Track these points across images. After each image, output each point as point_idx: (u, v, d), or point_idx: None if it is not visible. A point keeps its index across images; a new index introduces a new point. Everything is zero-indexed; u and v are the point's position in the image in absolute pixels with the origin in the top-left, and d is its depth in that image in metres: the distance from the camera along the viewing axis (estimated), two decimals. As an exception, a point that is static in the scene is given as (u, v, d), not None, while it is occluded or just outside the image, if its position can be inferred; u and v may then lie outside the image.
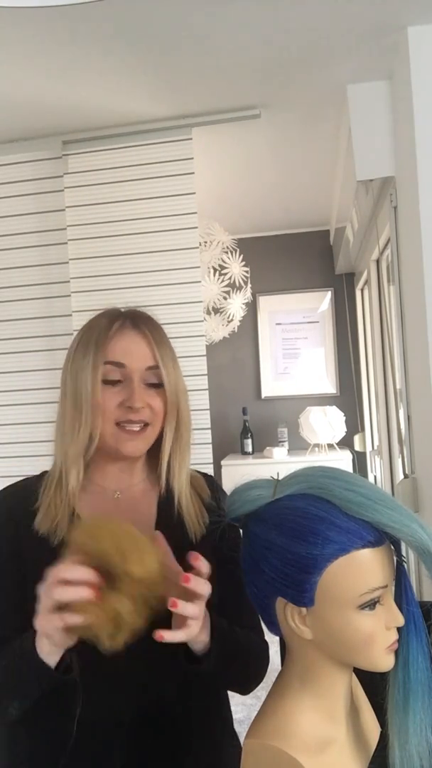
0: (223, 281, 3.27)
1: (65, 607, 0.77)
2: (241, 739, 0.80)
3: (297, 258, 4.17)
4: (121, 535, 0.79)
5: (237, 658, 0.95)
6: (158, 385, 1.00)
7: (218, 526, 0.86)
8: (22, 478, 1.08)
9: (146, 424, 1.00)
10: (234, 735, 1.08)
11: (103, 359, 0.97)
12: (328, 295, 4.17)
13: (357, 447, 3.97)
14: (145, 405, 0.98)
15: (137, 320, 1.02)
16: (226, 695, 1.09)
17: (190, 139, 2.28)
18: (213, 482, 1.13)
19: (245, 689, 1.04)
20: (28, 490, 1.02)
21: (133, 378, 0.98)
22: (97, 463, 1.03)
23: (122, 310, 1.06)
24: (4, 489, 1.05)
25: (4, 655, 0.88)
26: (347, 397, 4.09)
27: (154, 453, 1.05)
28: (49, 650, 0.83)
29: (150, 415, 0.99)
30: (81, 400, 0.97)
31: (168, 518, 1.03)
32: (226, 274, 3.32)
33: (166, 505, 1.04)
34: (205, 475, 1.13)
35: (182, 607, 0.81)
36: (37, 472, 1.08)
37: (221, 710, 1.06)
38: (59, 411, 1.02)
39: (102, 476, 1.04)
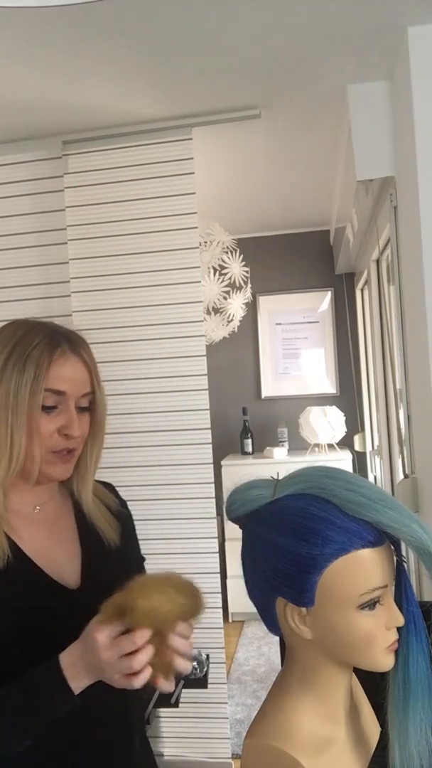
0: (223, 281, 3.27)
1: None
2: (241, 738, 0.80)
3: (297, 258, 4.17)
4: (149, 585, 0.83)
5: None
6: (86, 409, 1.01)
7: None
8: None
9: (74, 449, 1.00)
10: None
11: (45, 385, 0.93)
12: (328, 295, 4.17)
13: (357, 447, 3.97)
14: (81, 432, 0.99)
15: (76, 345, 0.99)
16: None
17: (190, 139, 2.28)
18: (114, 489, 1.17)
19: None
20: None
21: (70, 405, 0.96)
22: (14, 483, 0.99)
23: (42, 320, 1.02)
24: None
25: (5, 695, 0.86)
26: (347, 397, 4.09)
27: None
28: (85, 684, 0.85)
29: (81, 441, 1.00)
30: (11, 424, 0.92)
31: (86, 527, 1.05)
32: (226, 274, 3.32)
33: (81, 515, 1.06)
34: (105, 483, 1.15)
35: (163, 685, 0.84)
36: None
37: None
38: None
39: (18, 494, 1.00)
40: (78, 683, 0.84)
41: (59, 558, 0.99)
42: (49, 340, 0.96)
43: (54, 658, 0.85)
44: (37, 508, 1.02)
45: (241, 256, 3.35)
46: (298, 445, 4.09)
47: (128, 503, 1.19)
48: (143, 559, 1.18)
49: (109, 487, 1.16)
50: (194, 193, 2.29)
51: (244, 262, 3.39)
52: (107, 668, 0.81)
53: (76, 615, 0.86)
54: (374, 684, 0.80)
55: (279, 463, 3.82)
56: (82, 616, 0.84)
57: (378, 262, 3.00)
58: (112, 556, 1.05)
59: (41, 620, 0.92)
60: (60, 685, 0.83)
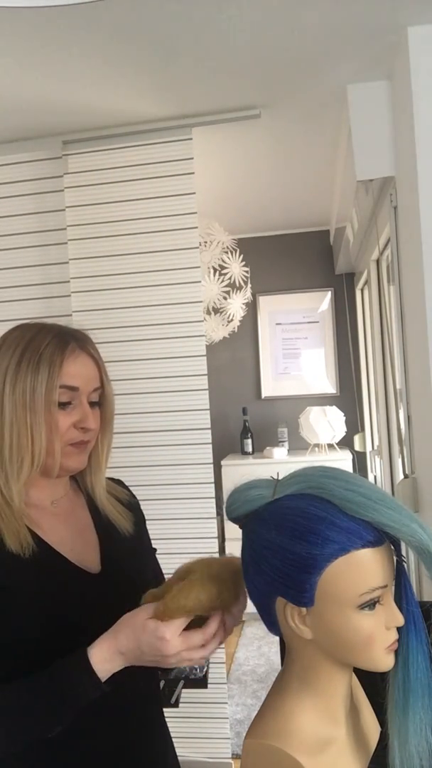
0: (223, 281, 3.27)
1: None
2: (241, 738, 0.80)
3: (297, 258, 4.17)
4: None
5: None
6: (96, 404, 1.04)
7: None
8: None
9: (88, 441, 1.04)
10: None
11: (59, 382, 0.97)
12: (328, 295, 4.17)
13: (357, 447, 3.97)
14: (96, 425, 1.03)
15: (84, 342, 1.03)
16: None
17: (190, 139, 2.28)
18: (123, 483, 1.21)
19: None
20: None
21: (83, 400, 1.00)
22: (32, 479, 1.01)
23: (46, 322, 1.05)
24: None
25: (29, 687, 0.87)
26: (347, 397, 4.09)
27: None
28: (116, 669, 0.87)
29: (95, 434, 1.04)
30: (30, 423, 0.95)
31: (100, 518, 1.09)
32: (226, 274, 3.32)
33: (95, 508, 1.09)
34: (114, 479, 1.19)
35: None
36: None
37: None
38: None
39: (36, 490, 1.03)
40: (108, 673, 0.86)
41: (79, 546, 1.03)
42: (59, 339, 1.00)
43: (81, 650, 0.86)
44: (54, 502, 1.06)
45: (241, 256, 3.36)
46: (298, 445, 4.09)
47: None
48: (155, 550, 1.20)
49: (118, 482, 1.20)
50: (194, 193, 2.29)
51: (244, 262, 3.40)
52: (170, 660, 0.85)
53: (101, 598, 0.93)
54: (374, 684, 0.80)
55: (279, 463, 3.82)
56: (106, 599, 0.92)
57: (378, 262, 3.00)
58: (127, 543, 1.09)
59: (69, 605, 0.95)
60: (88, 676, 0.85)
